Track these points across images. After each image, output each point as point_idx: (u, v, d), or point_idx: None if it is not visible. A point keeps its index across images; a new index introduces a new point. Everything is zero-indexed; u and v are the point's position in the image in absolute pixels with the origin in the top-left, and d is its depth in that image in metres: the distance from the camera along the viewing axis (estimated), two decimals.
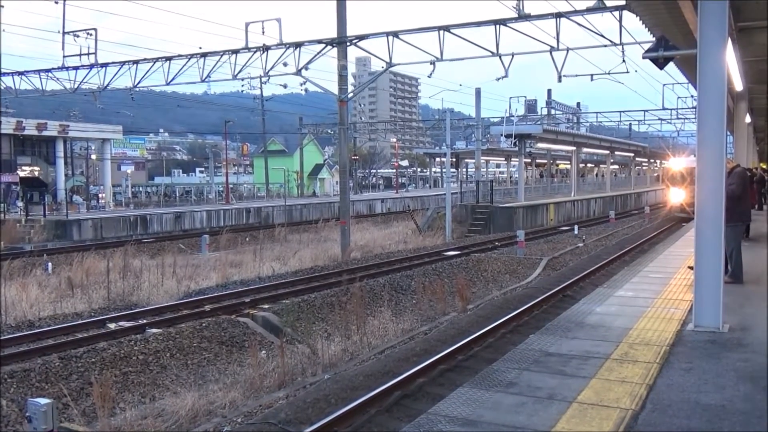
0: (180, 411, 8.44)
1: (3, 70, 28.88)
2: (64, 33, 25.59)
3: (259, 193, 63.80)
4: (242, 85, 34.88)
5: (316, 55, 23.65)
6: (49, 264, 20.38)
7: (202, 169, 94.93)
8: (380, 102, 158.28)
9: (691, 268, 7.70)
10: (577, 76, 23.33)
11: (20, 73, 28.58)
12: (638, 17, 12.65)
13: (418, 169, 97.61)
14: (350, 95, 26.87)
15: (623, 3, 17.32)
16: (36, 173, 45.73)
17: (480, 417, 4.36)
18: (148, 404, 9.18)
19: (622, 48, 19.99)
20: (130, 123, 60.77)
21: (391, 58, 22.20)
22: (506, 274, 19.16)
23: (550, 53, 20.45)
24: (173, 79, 25.87)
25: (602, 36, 19.40)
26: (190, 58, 25.35)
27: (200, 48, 25.83)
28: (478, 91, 34.91)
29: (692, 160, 30.40)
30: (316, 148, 75.88)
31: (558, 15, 19.21)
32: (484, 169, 57.58)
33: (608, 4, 18.60)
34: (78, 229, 30.87)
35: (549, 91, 61.12)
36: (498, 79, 21.81)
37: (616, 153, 51.97)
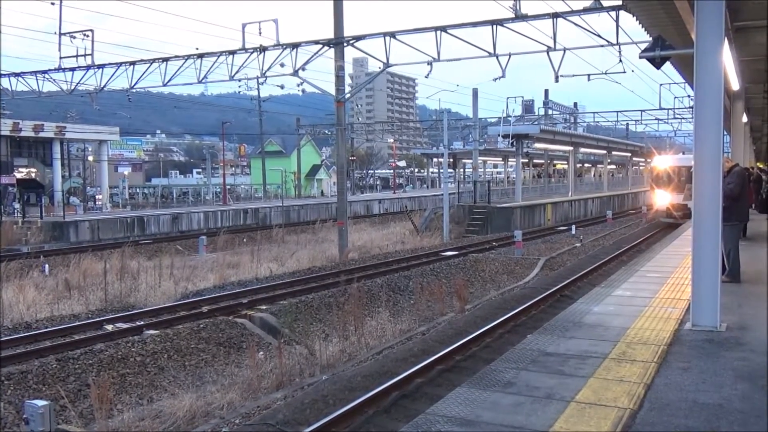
0: (178, 412, 8.43)
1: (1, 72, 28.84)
2: (60, 34, 25.53)
3: (257, 194, 63.74)
4: (239, 86, 34.79)
5: (313, 56, 23.65)
6: (46, 266, 20.34)
7: (200, 170, 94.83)
8: (377, 103, 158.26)
9: None
10: (574, 76, 23.31)
11: (17, 75, 28.50)
12: (635, 17, 12.67)
13: (416, 170, 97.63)
14: (347, 96, 26.86)
15: (620, 3, 17.34)
16: (33, 175, 45.68)
17: (478, 417, 4.35)
18: (145, 406, 9.17)
19: (619, 48, 20.01)
20: (127, 124, 60.76)
21: (388, 59, 22.20)
22: (504, 275, 19.17)
23: (547, 53, 20.45)
24: (170, 80, 25.84)
25: (599, 36, 19.43)
26: (186, 59, 25.32)
27: (197, 49, 25.76)
28: (475, 92, 34.92)
29: (679, 158, 29.04)
30: (313, 149, 75.88)
31: (555, 15, 19.22)
32: (482, 170, 57.58)
33: (605, 4, 18.62)
34: (75, 231, 30.83)
35: (546, 91, 61.32)
36: (495, 80, 21.81)
37: (613, 153, 52.03)
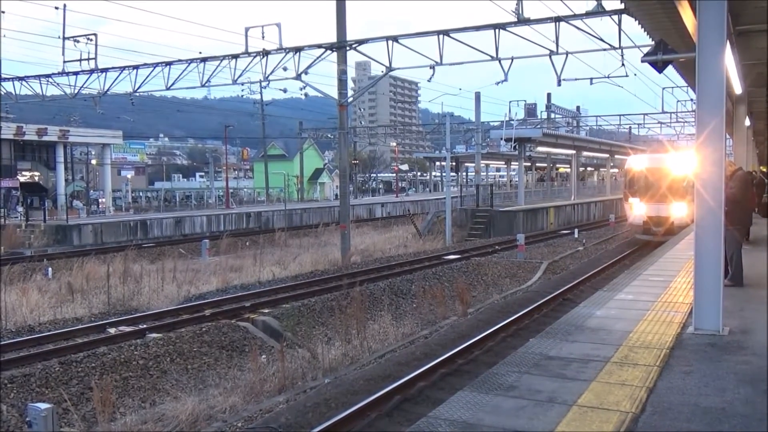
0: (180, 416, 8.44)
1: (3, 76, 28.97)
2: (64, 38, 25.65)
3: (260, 197, 63.82)
4: (242, 90, 35.07)
5: (315, 60, 23.72)
6: (50, 269, 20.38)
7: (203, 173, 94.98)
8: (380, 106, 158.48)
9: None
10: (576, 79, 23.42)
11: (20, 79, 28.63)
12: (637, 21, 12.67)
13: (418, 173, 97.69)
14: (350, 99, 26.91)
15: (622, 7, 17.35)
16: (36, 178, 45.71)
17: (480, 420, 4.35)
18: (148, 409, 9.18)
19: (622, 52, 20.08)
20: (130, 128, 60.81)
21: (390, 63, 22.25)
22: (506, 278, 19.15)
23: (550, 57, 20.49)
24: (173, 84, 25.94)
25: (601, 40, 19.47)
26: (190, 63, 25.41)
27: (200, 53, 25.82)
28: (477, 95, 34.96)
29: (657, 158, 23.61)
30: (316, 153, 75.98)
31: (557, 19, 19.25)
32: (484, 173, 57.61)
33: (607, 8, 18.65)
34: (78, 234, 30.88)
35: (549, 94, 61.16)
36: (498, 83, 21.94)
37: (616, 156, 51.98)
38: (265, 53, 23.85)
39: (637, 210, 22.42)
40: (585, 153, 45.93)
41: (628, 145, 53.61)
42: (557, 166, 60.43)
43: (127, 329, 12.21)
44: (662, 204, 21.58)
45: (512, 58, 20.98)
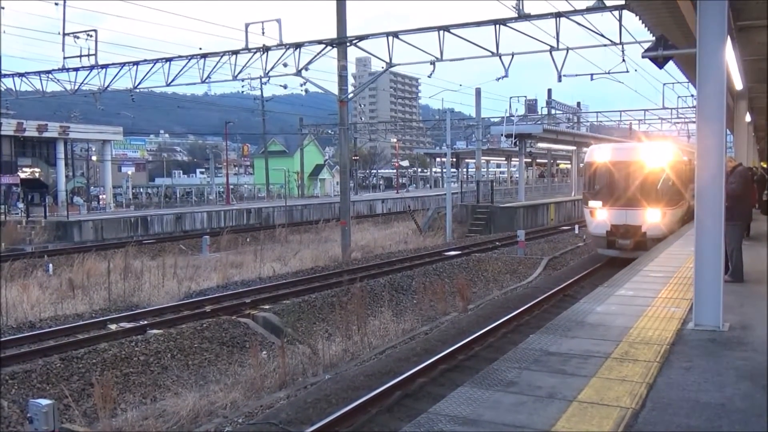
0: (181, 411, 8.46)
1: (3, 72, 28.93)
2: (64, 34, 25.60)
3: (260, 193, 63.79)
4: (242, 86, 35.03)
5: (316, 56, 23.69)
6: (50, 265, 20.39)
7: (203, 170, 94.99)
8: (380, 102, 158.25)
9: None
10: (577, 75, 23.33)
11: (20, 75, 28.59)
12: (638, 17, 12.66)
13: (419, 170, 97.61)
14: (350, 96, 26.88)
15: (623, 3, 17.33)
16: (37, 174, 45.75)
17: (480, 416, 4.36)
18: (149, 405, 9.20)
19: (622, 47, 20.00)
20: (130, 124, 60.83)
21: (391, 59, 22.21)
22: (507, 274, 19.16)
23: (550, 53, 20.45)
24: (173, 80, 25.89)
25: (602, 36, 19.40)
26: (190, 59, 25.36)
27: (200, 49, 25.87)
28: (478, 91, 34.94)
29: (626, 150, 19.38)
30: (316, 149, 75.92)
31: (558, 15, 19.21)
32: (485, 169, 57.60)
33: (608, 3, 18.62)
34: (79, 231, 30.90)
35: (549, 90, 61.00)
36: (498, 79, 21.82)
37: None
38: (266, 49, 23.80)
39: (600, 217, 17.88)
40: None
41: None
42: (558, 162, 60.40)
43: (128, 325, 12.22)
44: (631, 209, 17.24)
45: (513, 54, 20.94)
